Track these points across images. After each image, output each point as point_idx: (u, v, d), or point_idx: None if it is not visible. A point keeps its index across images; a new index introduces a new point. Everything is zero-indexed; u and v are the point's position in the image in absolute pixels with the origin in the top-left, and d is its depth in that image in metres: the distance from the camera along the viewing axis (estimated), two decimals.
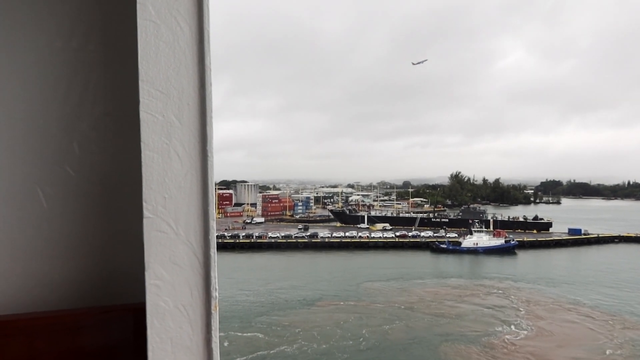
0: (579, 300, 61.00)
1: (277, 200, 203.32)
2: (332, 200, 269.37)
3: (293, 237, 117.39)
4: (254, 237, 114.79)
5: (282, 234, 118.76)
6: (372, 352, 43.23)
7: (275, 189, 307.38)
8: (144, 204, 1.58)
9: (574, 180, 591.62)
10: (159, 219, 1.60)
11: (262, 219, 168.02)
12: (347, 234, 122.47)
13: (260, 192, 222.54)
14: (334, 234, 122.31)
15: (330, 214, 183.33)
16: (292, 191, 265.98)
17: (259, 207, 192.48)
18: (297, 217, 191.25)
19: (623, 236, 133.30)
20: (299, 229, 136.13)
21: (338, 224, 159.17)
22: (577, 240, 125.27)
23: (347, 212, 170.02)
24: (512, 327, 49.45)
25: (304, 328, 49.38)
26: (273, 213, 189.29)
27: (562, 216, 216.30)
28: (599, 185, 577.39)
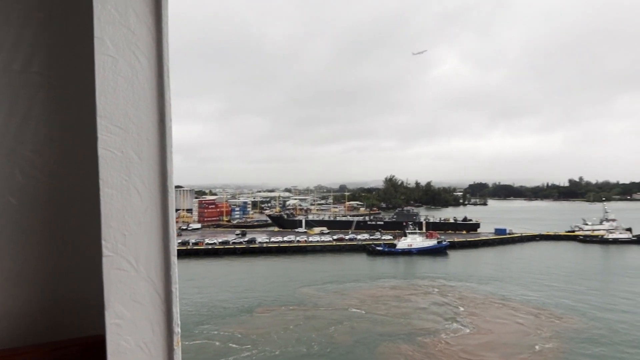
0: (508, 296, 64.64)
1: (213, 206, 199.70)
2: (269, 204, 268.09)
3: (231, 242, 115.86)
4: (191, 244, 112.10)
5: (220, 240, 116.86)
6: (324, 357, 43.63)
7: (211, 194, 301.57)
8: (102, 242, 1.54)
9: (499, 183, 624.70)
10: (118, 256, 1.56)
11: (198, 225, 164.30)
12: (285, 238, 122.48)
13: (196, 198, 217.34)
14: (272, 239, 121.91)
15: (268, 218, 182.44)
16: (229, 196, 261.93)
17: (195, 213, 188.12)
18: (235, 222, 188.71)
19: (543, 235, 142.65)
20: (237, 234, 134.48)
21: (276, 229, 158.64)
22: (503, 239, 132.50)
23: (285, 217, 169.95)
24: (450, 324, 51.63)
25: (246, 335, 49.04)
26: (210, 219, 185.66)
27: (489, 217, 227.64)
28: (521, 187, 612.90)
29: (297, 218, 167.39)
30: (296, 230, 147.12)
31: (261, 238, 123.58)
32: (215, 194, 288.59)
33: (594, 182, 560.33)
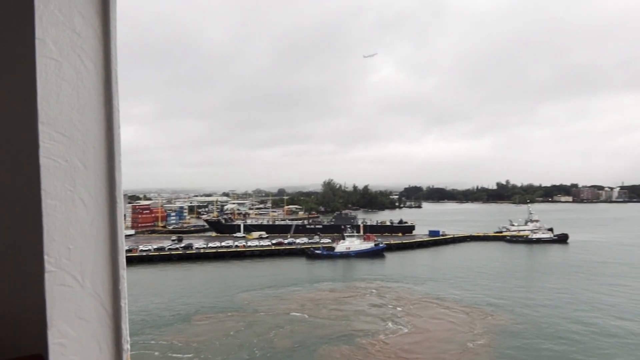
0: (442, 296, 66.97)
1: (148, 211, 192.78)
2: (207, 209, 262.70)
3: (166, 249, 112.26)
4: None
5: (155, 247, 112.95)
6: None
7: (146, 198, 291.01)
8: (45, 257, 1.45)
9: (433, 186, 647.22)
10: (62, 271, 1.48)
11: (132, 231, 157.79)
12: (223, 243, 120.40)
13: (129, 203, 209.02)
14: (210, 244, 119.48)
15: (205, 223, 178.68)
16: (164, 201, 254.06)
17: (129, 219, 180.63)
18: (170, 227, 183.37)
19: (473, 236, 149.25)
20: (173, 240, 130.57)
21: (214, 234, 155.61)
22: (437, 241, 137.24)
23: (223, 222, 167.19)
24: (388, 324, 52.70)
25: (187, 343, 47.68)
26: (144, 224, 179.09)
27: (423, 219, 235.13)
28: (453, 190, 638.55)
29: (235, 223, 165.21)
30: (234, 235, 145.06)
31: (198, 243, 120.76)
32: (149, 199, 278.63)
33: (519, 185, 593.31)
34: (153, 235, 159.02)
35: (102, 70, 1.57)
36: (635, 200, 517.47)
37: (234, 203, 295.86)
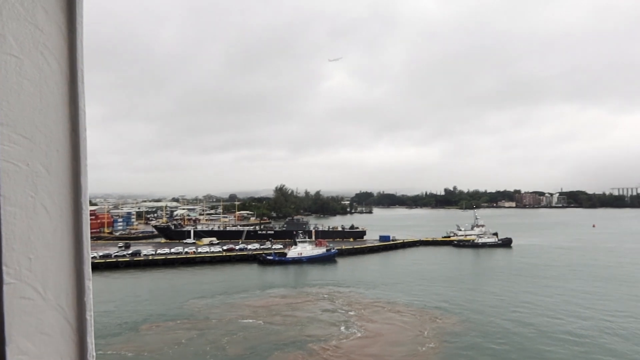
0: (393, 300, 68.06)
1: (93, 217, 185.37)
2: (156, 215, 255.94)
3: (112, 256, 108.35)
4: None
5: (100, 254, 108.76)
6: None
7: (91, 204, 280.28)
8: (3, 268, 1.35)
9: (384, 192, 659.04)
10: (23, 283, 1.38)
11: None
12: (172, 250, 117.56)
13: None
14: (159, 251, 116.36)
15: (154, 229, 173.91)
16: (110, 206, 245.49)
17: None
18: (117, 234, 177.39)
19: (423, 240, 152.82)
20: (120, 246, 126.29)
21: (163, 240, 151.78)
22: (387, 245, 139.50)
23: (173, 227, 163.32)
24: (341, 329, 52.96)
25: (138, 352, 46.13)
26: (90, 230, 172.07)
27: (374, 224, 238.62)
28: (403, 195, 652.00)
29: (185, 229, 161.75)
30: (184, 241, 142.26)
31: (146, 250, 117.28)
32: (95, 204, 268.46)
33: (466, 191, 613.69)
34: (99, 242, 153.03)
35: (67, 69, 1.50)
36: (573, 205, 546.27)
37: (184, 208, 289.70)
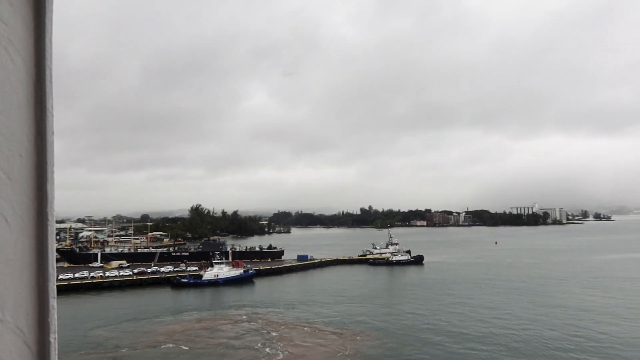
0: (312, 319, 67.78)
1: None
2: (58, 237, 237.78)
3: None
4: None
5: None
6: None
7: None
8: None
9: (302, 211, 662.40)
10: None
11: None
12: (76, 275, 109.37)
13: None
14: (61, 276, 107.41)
15: (56, 253, 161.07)
16: None
17: None
18: None
19: (339, 259, 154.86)
20: None
21: (66, 264, 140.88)
22: (305, 265, 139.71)
23: (77, 251, 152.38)
24: (261, 351, 51.52)
25: None
26: None
27: (292, 244, 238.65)
28: (321, 215, 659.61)
29: (91, 251, 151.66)
30: (91, 265, 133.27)
31: None
32: None
33: (381, 210, 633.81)
34: None
35: (33, 67, 1.38)
36: (478, 223, 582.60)
37: (90, 230, 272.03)
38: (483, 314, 70.77)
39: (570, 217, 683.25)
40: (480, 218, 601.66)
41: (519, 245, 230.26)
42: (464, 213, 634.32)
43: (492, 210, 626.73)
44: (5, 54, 1.33)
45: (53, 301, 1.38)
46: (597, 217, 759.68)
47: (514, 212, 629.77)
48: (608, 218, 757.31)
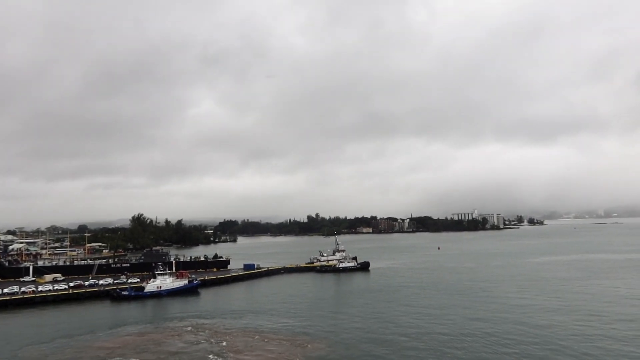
0: (261, 328, 66.50)
1: None
2: None
3: None
4: None
5: None
6: None
7: None
8: None
9: (248, 220, 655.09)
10: None
11: None
12: (5, 290, 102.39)
13: None
14: None
15: None
16: None
17: None
18: None
19: (287, 267, 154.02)
20: None
21: None
22: (252, 274, 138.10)
23: (6, 264, 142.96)
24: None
25: None
26: None
27: (239, 253, 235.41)
28: (267, 223, 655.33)
29: (22, 265, 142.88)
30: (22, 279, 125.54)
31: None
32: None
33: (327, 217, 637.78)
34: None
35: None
36: (421, 229, 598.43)
37: (22, 242, 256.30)
38: (428, 315, 72.31)
39: (507, 222, 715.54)
40: (423, 224, 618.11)
41: (461, 250, 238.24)
42: (408, 220, 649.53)
43: (435, 217, 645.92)
44: None
45: None
46: (531, 222, 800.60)
47: (456, 218, 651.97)
48: (541, 223, 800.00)
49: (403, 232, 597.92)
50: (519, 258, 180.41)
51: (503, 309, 77.02)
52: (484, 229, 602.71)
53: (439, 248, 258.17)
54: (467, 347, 53.28)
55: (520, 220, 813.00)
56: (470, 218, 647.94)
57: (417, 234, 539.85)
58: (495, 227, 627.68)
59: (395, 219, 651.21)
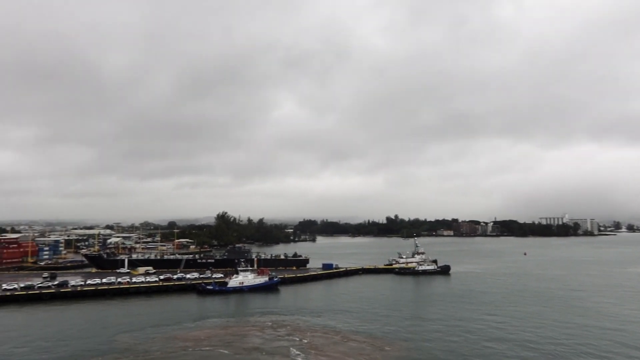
0: (340, 327, 66.60)
1: (15, 245, 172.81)
2: (87, 243, 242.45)
3: (36, 287, 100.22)
4: None
5: (22, 285, 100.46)
6: None
7: (14, 231, 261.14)
8: None
9: (327, 220, 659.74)
10: None
11: None
12: (104, 280, 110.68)
13: None
14: (88, 281, 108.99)
15: (84, 258, 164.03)
16: (36, 234, 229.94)
17: None
18: (42, 263, 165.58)
19: (365, 268, 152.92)
20: (44, 277, 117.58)
21: (94, 270, 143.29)
22: (330, 273, 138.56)
23: (105, 256, 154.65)
24: (300, 356, 50.58)
25: None
26: (10, 260, 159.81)
27: (318, 252, 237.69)
28: (346, 224, 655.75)
29: (119, 257, 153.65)
30: (118, 270, 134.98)
31: (75, 281, 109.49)
32: (18, 232, 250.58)
33: (407, 219, 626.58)
34: (21, 272, 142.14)
35: None
36: (506, 234, 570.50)
37: (118, 236, 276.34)
38: (513, 325, 68.35)
39: (602, 228, 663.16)
40: (508, 228, 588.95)
41: (549, 257, 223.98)
42: (491, 223, 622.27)
43: (521, 221, 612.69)
44: None
45: None
46: (630, 228, 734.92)
47: (544, 222, 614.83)
48: None
49: (486, 235, 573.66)
50: (617, 267, 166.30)
51: (599, 322, 70.98)
52: (575, 234, 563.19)
53: (525, 253, 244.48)
54: None
55: (617, 226, 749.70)
56: (560, 223, 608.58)
57: (502, 238, 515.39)
58: (588, 233, 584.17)
59: (477, 222, 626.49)
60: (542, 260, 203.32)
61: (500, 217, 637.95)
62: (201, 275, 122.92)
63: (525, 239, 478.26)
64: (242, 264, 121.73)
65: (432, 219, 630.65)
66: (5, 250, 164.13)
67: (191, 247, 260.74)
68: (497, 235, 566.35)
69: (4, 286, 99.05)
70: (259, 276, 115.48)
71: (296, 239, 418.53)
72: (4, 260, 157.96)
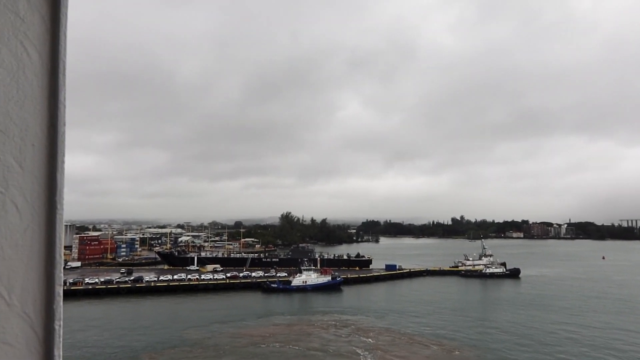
0: (405, 330, 65.93)
1: (96, 242, 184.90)
2: (159, 241, 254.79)
3: (114, 282, 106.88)
4: (68, 283, 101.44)
5: (102, 279, 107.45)
6: None
7: (95, 229, 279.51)
8: None
9: (390, 221, 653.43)
10: None
11: (78, 263, 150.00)
12: (175, 276, 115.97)
13: (77, 234, 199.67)
14: (161, 277, 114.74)
15: (157, 256, 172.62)
16: (115, 232, 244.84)
17: (75, 250, 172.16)
18: (120, 260, 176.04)
19: (429, 270, 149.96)
20: (122, 272, 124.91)
21: (166, 267, 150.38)
22: (393, 275, 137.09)
23: (176, 254, 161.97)
24: (369, 356, 50.92)
25: None
26: (92, 256, 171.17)
27: (381, 253, 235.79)
28: (410, 224, 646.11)
29: (188, 255, 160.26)
30: (188, 267, 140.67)
31: (149, 276, 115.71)
32: (99, 230, 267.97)
33: (473, 220, 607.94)
34: (101, 267, 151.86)
35: (48, 61, 1.40)
36: (581, 237, 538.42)
37: (188, 235, 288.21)
38: (590, 335, 64.56)
39: None
40: (584, 231, 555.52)
41: (632, 262, 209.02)
42: (565, 225, 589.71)
43: (598, 223, 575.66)
44: (21, 48, 1.34)
45: (59, 288, 1.41)
46: None
47: (624, 224, 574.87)
48: None
49: (559, 238, 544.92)
50: None
51: None
52: None
53: (603, 258, 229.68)
54: None
55: None
56: None
57: (576, 241, 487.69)
58: None
59: (550, 224, 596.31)
60: (624, 265, 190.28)
61: (575, 219, 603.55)
62: (266, 274, 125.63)
63: (603, 242, 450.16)
64: (306, 263, 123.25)
65: (500, 220, 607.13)
66: (88, 247, 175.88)
67: (256, 246, 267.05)
68: (571, 238, 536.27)
69: (87, 280, 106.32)
70: (322, 276, 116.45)
71: (359, 240, 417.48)
72: (87, 257, 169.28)
